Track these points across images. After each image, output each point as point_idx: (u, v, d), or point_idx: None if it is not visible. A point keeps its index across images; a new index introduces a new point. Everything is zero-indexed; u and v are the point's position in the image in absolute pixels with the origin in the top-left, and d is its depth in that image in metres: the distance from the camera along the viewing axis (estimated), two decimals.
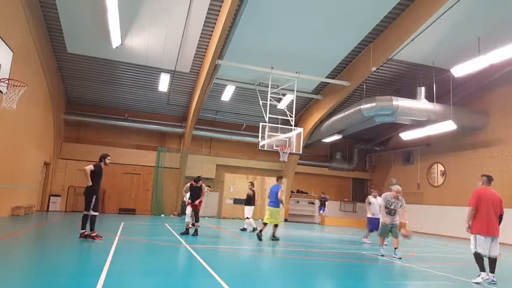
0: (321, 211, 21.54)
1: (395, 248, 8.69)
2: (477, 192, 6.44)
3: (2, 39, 8.60)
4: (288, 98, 16.45)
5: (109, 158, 8.51)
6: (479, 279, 6.17)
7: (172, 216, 18.84)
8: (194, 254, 7.41)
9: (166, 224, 13.84)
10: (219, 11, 12.28)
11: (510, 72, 14.55)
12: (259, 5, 11.88)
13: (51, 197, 17.56)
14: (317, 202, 22.59)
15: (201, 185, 10.78)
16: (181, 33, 13.53)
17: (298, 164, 21.93)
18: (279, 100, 16.36)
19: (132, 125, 19.20)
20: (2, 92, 8.55)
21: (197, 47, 14.35)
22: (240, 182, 20.68)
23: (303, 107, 19.69)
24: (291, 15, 12.56)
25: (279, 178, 11.43)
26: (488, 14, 12.31)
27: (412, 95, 15.71)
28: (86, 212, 8.11)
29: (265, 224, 10.76)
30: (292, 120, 14.85)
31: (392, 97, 14.62)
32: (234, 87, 16.72)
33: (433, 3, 10.97)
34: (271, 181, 21.27)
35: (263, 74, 15.24)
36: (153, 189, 19.51)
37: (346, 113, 16.52)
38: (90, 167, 8.13)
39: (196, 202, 10.63)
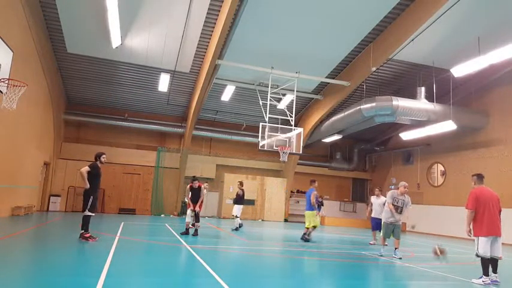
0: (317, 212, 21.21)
1: (396, 249, 8.64)
2: (474, 193, 6.30)
3: (2, 39, 8.60)
4: (288, 98, 16.45)
5: (104, 156, 8.41)
6: (479, 281, 6.11)
7: (172, 216, 18.84)
8: (194, 254, 7.41)
9: (166, 224, 13.83)
10: (219, 11, 12.28)
11: (510, 72, 14.55)
12: (259, 5, 11.88)
13: (51, 197, 17.56)
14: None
15: (199, 186, 10.76)
16: (181, 33, 13.53)
17: (298, 164, 21.93)
18: (279, 100, 16.36)
19: (132, 125, 19.20)
20: (2, 92, 8.55)
21: (197, 47, 14.35)
22: None
23: (303, 107, 19.70)
24: (291, 15, 12.56)
25: (312, 182, 11.73)
26: (488, 14, 12.31)
27: (412, 95, 15.71)
28: (87, 213, 8.07)
29: (307, 228, 11.19)
30: (292, 120, 14.85)
31: (392, 97, 14.63)
32: (234, 87, 16.72)
33: (433, 3, 10.97)
34: (271, 181, 21.33)
35: (263, 74, 15.24)
36: (153, 189, 19.51)
37: (346, 113, 16.52)
38: (85, 169, 7.93)
39: (197, 208, 10.57)
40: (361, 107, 15.21)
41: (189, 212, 10.72)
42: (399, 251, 8.65)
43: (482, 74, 15.09)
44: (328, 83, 16.86)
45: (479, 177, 6.55)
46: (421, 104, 15.18)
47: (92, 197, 7.98)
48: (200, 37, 13.74)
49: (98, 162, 8.24)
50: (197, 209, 10.53)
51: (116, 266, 5.69)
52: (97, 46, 14.33)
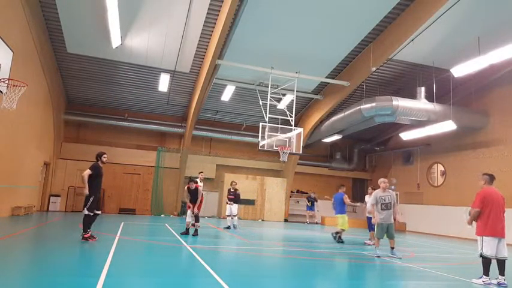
0: (309, 211, 20.59)
1: (392, 248, 8.58)
2: (482, 193, 6.27)
3: (2, 39, 8.60)
4: (288, 98, 16.45)
5: (105, 156, 8.37)
6: (479, 281, 6.10)
7: (172, 216, 18.84)
8: (194, 254, 7.41)
9: (166, 224, 13.83)
10: (219, 11, 12.28)
11: (510, 72, 14.55)
12: (259, 5, 11.88)
13: (51, 197, 17.56)
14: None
15: (196, 188, 10.68)
16: (181, 33, 13.53)
17: (298, 164, 21.93)
18: (279, 100, 16.37)
19: (132, 125, 19.20)
20: (2, 92, 8.56)
21: (197, 47, 14.35)
22: (240, 182, 20.68)
23: (303, 107, 19.70)
24: (291, 15, 12.56)
25: (341, 186, 12.07)
26: (488, 14, 12.31)
27: (412, 95, 15.71)
28: (86, 212, 8.03)
29: (343, 230, 11.39)
30: (292, 120, 14.85)
31: (392, 97, 14.62)
32: (234, 87, 16.72)
33: (433, 3, 10.98)
34: (271, 181, 21.32)
35: (263, 74, 15.24)
36: (153, 189, 19.51)
37: (346, 113, 16.52)
38: (87, 172, 7.86)
39: (195, 210, 10.54)
40: (361, 107, 15.21)
41: (189, 212, 10.72)
42: (397, 250, 8.57)
43: (482, 74, 15.09)
44: (328, 83, 16.86)
45: (491, 178, 6.48)
46: (421, 104, 15.18)
47: (92, 197, 7.93)
48: (200, 37, 13.75)
49: (99, 162, 8.21)
50: (195, 210, 10.49)
51: (116, 266, 5.69)
52: (97, 46, 14.33)
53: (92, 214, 7.97)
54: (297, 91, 14.92)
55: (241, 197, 20.38)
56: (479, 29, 12.89)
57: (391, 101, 14.47)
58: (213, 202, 20.64)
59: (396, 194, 17.09)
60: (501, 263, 6.07)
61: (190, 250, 7.84)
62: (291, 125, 14.48)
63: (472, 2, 11.66)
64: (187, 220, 10.70)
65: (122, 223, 12.61)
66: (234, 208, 13.65)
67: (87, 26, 13.23)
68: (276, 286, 5.49)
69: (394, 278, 6.83)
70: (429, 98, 15.43)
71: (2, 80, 8.43)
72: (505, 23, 12.51)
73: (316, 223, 20.94)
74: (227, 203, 13.71)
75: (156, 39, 13.94)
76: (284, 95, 16.37)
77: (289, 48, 14.32)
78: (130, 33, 13.53)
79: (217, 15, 12.50)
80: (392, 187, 9.39)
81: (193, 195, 10.66)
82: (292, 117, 14.91)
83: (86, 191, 7.81)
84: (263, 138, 13.65)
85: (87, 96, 18.54)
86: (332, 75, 16.32)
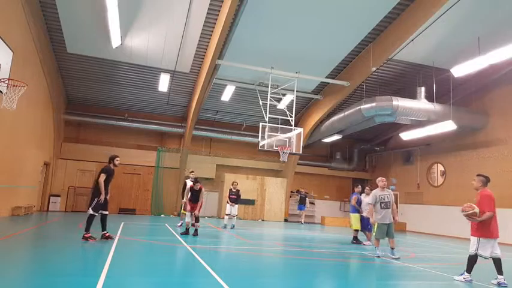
0: (300, 210, 20.01)
1: (392, 248, 8.53)
2: (489, 196, 6.26)
3: (2, 39, 8.61)
4: (288, 98, 16.45)
5: (118, 159, 8.47)
6: (460, 278, 6.22)
7: (172, 216, 18.84)
8: (194, 254, 7.41)
9: (166, 224, 13.83)
10: (219, 11, 12.28)
11: (510, 72, 14.56)
12: (259, 5, 11.88)
13: (51, 197, 17.56)
14: (317, 201, 22.49)
15: (200, 189, 10.68)
16: (181, 33, 13.53)
17: (298, 164, 21.93)
18: (279, 100, 16.37)
19: (132, 125, 19.20)
20: (2, 92, 8.56)
21: (197, 47, 14.35)
22: (240, 182, 20.68)
23: (303, 107, 19.70)
24: (291, 15, 12.56)
25: (357, 186, 12.14)
26: (488, 14, 12.31)
27: (412, 95, 15.71)
28: (90, 212, 8.07)
29: (355, 230, 11.53)
30: (292, 120, 14.85)
31: (392, 97, 14.62)
32: (234, 87, 16.71)
33: (433, 3, 10.97)
34: (271, 181, 21.33)
35: (263, 74, 15.24)
36: (153, 189, 19.52)
37: (346, 113, 16.52)
38: (103, 177, 8.02)
39: (196, 212, 10.46)
40: (361, 107, 15.21)
41: (188, 212, 10.68)
42: (396, 250, 8.54)
43: (482, 74, 15.10)
44: (328, 83, 16.86)
45: (488, 179, 6.49)
46: (421, 104, 15.18)
47: (97, 198, 7.97)
48: (200, 37, 13.75)
49: (111, 165, 8.32)
50: (196, 212, 10.45)
51: (116, 266, 5.69)
52: (97, 46, 14.33)
53: (96, 214, 8.00)
54: (297, 91, 14.92)
55: (242, 197, 20.48)
56: (479, 29, 12.89)
57: (391, 101, 14.48)
58: (213, 202, 20.64)
59: (396, 194, 17.12)
60: (497, 262, 6.12)
61: (190, 250, 7.85)
62: (291, 125, 14.48)
63: (472, 2, 11.66)
64: (186, 220, 10.68)
65: (122, 223, 12.61)
66: (235, 208, 13.63)
67: (87, 26, 13.24)
68: (276, 286, 5.49)
69: (394, 278, 6.83)
70: (429, 98, 15.43)
71: (2, 80, 8.43)
72: (505, 23, 12.52)
73: (304, 222, 20.16)
74: (228, 202, 13.63)
75: (156, 39, 13.94)
76: (284, 95, 16.37)
77: (289, 48, 14.32)
78: (130, 33, 13.53)
79: (217, 15, 12.50)
80: (393, 187, 9.37)
81: (195, 196, 10.63)
82: (292, 117, 14.91)
83: (103, 196, 7.96)
84: (263, 138, 13.65)
85: (87, 96, 18.54)
86: (332, 75, 16.32)
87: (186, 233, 10.50)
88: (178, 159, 19.97)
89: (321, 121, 18.79)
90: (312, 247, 10.42)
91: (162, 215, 18.85)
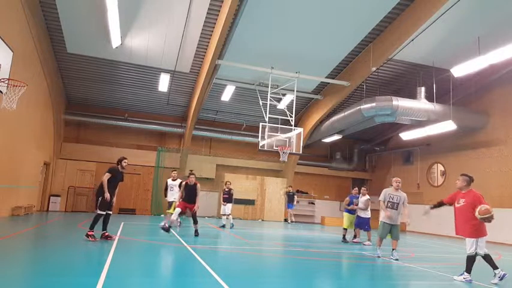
0: (289, 208, 19.15)
1: (393, 249, 8.47)
2: (481, 195, 6.34)
3: (2, 39, 8.60)
4: (288, 98, 16.45)
5: (126, 161, 8.43)
6: (460, 278, 6.25)
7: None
8: (194, 254, 7.41)
9: (166, 224, 13.79)
10: (219, 11, 12.28)
11: (510, 72, 14.56)
12: (259, 5, 11.88)
13: (51, 197, 17.56)
14: (311, 200, 22.45)
15: (195, 184, 10.09)
16: (181, 33, 13.53)
17: (298, 164, 21.93)
18: (279, 100, 16.36)
19: (132, 125, 19.20)
20: (2, 92, 8.55)
21: (197, 47, 14.35)
22: (240, 182, 20.71)
23: (303, 107, 19.70)
24: (291, 15, 12.56)
25: (353, 189, 12.51)
26: (488, 14, 12.31)
27: (412, 95, 15.71)
28: (98, 212, 8.16)
29: (344, 228, 11.98)
30: (292, 120, 14.86)
31: (392, 97, 14.62)
32: (234, 87, 16.71)
33: (433, 3, 10.98)
34: (271, 181, 21.33)
35: (263, 74, 15.24)
36: (153, 189, 19.51)
37: (346, 113, 16.52)
38: (106, 176, 8.03)
39: (196, 208, 10.05)
40: (361, 107, 15.20)
41: (177, 210, 9.97)
42: (397, 252, 8.50)
43: (482, 74, 15.10)
44: (328, 83, 16.86)
45: (471, 179, 6.54)
46: (421, 104, 15.18)
47: (101, 197, 8.04)
48: (200, 37, 13.75)
49: (118, 166, 8.33)
50: (195, 208, 10.05)
51: (116, 266, 5.69)
52: (97, 46, 14.33)
53: (103, 213, 8.08)
54: (297, 91, 14.92)
55: (242, 197, 20.42)
56: (479, 29, 12.89)
57: (391, 101, 14.48)
58: (213, 202, 20.62)
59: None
60: (489, 258, 6.22)
61: (190, 250, 7.84)
62: (291, 125, 14.48)
63: (472, 2, 11.66)
64: (172, 217, 9.99)
65: (122, 223, 12.61)
66: (228, 208, 13.76)
67: (87, 26, 13.23)
68: (276, 286, 5.49)
69: (394, 278, 6.83)
70: (429, 98, 15.43)
71: (2, 80, 8.42)
72: (505, 23, 12.52)
73: (292, 222, 19.46)
74: (222, 203, 13.92)
75: (156, 39, 13.94)
76: (284, 95, 16.37)
77: (289, 48, 14.32)
78: (130, 33, 13.53)
79: (217, 15, 12.50)
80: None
81: (191, 193, 10.01)
82: (292, 117, 14.91)
83: (107, 195, 7.96)
84: (263, 138, 13.65)
85: (87, 96, 18.53)
86: (332, 75, 16.32)
87: (167, 229, 9.84)
88: (178, 159, 19.96)
89: (321, 121, 18.79)
90: (312, 247, 10.41)
91: (162, 215, 18.81)
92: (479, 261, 6.39)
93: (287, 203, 19.45)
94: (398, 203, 8.51)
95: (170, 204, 12.22)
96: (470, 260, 6.32)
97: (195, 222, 10.24)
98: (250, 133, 20.19)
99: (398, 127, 19.86)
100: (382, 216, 8.64)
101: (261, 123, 13.87)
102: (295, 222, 19.72)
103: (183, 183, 10.43)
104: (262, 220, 20.59)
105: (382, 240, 8.70)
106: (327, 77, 16.23)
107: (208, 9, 12.29)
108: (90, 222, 8.18)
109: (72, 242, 8.01)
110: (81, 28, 13.37)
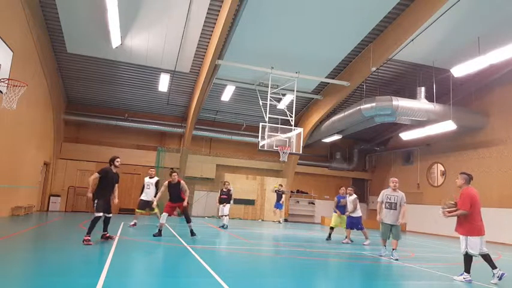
0: (277, 208, 18.82)
1: (393, 249, 8.51)
2: (469, 194, 6.34)
3: (2, 39, 8.60)
4: (288, 98, 16.45)
5: (118, 160, 8.28)
6: (460, 278, 6.27)
7: (172, 216, 18.80)
8: (194, 254, 7.41)
9: (166, 224, 13.80)
10: (219, 11, 12.28)
11: (510, 72, 14.56)
12: (259, 5, 11.88)
13: (51, 197, 17.56)
14: (314, 201, 22.42)
15: (179, 182, 9.67)
16: (181, 33, 13.53)
17: (298, 164, 21.93)
18: (279, 100, 16.36)
19: (132, 125, 19.20)
20: (2, 92, 8.55)
21: (197, 47, 14.35)
22: (240, 182, 20.71)
23: (303, 107, 19.70)
24: (291, 15, 12.56)
25: (339, 188, 12.61)
26: (488, 14, 12.31)
27: (412, 95, 15.71)
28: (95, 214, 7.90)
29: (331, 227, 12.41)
30: (292, 120, 14.85)
31: (392, 97, 14.63)
32: (234, 87, 16.72)
33: (433, 3, 10.98)
34: (271, 181, 21.32)
35: (263, 74, 15.24)
36: None
37: (346, 113, 16.52)
38: (94, 176, 7.85)
39: (185, 204, 9.68)
40: (361, 107, 15.21)
41: (165, 214, 9.67)
42: (397, 252, 8.52)
43: (482, 74, 15.10)
44: (328, 83, 16.86)
45: (470, 177, 6.58)
46: (421, 104, 15.18)
47: (96, 199, 7.87)
48: (200, 37, 13.75)
49: (112, 166, 8.14)
50: (185, 204, 9.72)
51: (116, 266, 5.69)
52: (97, 46, 14.33)
53: (100, 215, 7.84)
54: (296, 91, 14.92)
55: (241, 197, 20.36)
56: (479, 29, 12.89)
57: (391, 101, 14.48)
58: (213, 202, 20.57)
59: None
60: (487, 258, 6.24)
61: (190, 250, 7.84)
62: (291, 125, 14.48)
63: (472, 2, 11.66)
64: (161, 221, 9.66)
65: (122, 223, 12.61)
66: (226, 208, 13.68)
67: (87, 26, 13.23)
68: (276, 286, 5.49)
69: (394, 278, 6.83)
70: (429, 98, 15.43)
71: (2, 80, 8.43)
72: (505, 23, 12.52)
73: (279, 222, 19.36)
74: (220, 203, 13.72)
75: (156, 39, 13.94)
76: (284, 95, 16.37)
77: (289, 48, 14.32)
78: (130, 33, 13.53)
79: (217, 15, 12.50)
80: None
81: (175, 192, 9.66)
82: (292, 117, 14.91)
83: (89, 194, 7.78)
84: (263, 138, 13.65)
85: (87, 96, 18.53)
86: (332, 75, 16.32)
87: (158, 234, 9.49)
88: (178, 159, 19.96)
89: (321, 121, 18.79)
90: (312, 247, 10.41)
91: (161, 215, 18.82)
92: (479, 262, 6.39)
93: (275, 202, 19.17)
94: (396, 203, 8.59)
95: (144, 203, 11.93)
96: (466, 259, 6.35)
97: (188, 221, 9.86)
98: (250, 133, 20.19)
99: (398, 127, 19.86)
100: (382, 216, 8.76)
101: (261, 123, 13.87)
102: (282, 222, 19.34)
103: (166, 182, 9.91)
104: (262, 220, 20.58)
105: (385, 241, 8.80)
106: (326, 77, 16.23)
107: (208, 9, 12.29)
108: (88, 225, 7.88)
109: (72, 242, 8.00)
110: (81, 28, 13.37)
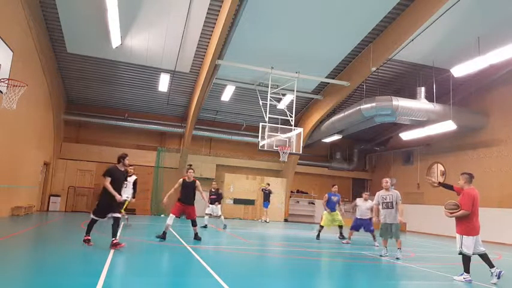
0: (265, 207, 18.96)
1: (398, 248, 8.60)
2: (471, 194, 6.35)
3: (2, 39, 8.60)
4: (288, 98, 16.45)
5: (127, 158, 7.73)
6: (460, 278, 6.28)
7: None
8: (194, 254, 7.41)
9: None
10: (219, 11, 12.28)
11: (510, 72, 14.56)
12: (259, 5, 11.88)
13: (51, 197, 17.56)
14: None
15: (195, 181, 9.12)
16: (181, 33, 13.52)
17: (298, 164, 21.92)
18: (279, 100, 16.36)
19: (132, 125, 19.20)
20: (2, 92, 8.55)
21: (197, 47, 14.35)
22: (240, 182, 20.71)
23: (303, 107, 19.69)
24: (291, 15, 12.56)
25: (332, 186, 12.65)
26: (488, 14, 12.31)
27: (412, 95, 15.71)
28: (92, 217, 7.44)
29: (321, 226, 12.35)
30: (292, 120, 14.85)
31: (392, 97, 14.63)
32: (234, 87, 16.71)
33: (433, 3, 10.98)
34: (271, 181, 21.30)
35: (263, 74, 15.24)
36: (153, 189, 19.51)
37: (346, 113, 16.52)
38: (107, 181, 7.17)
39: (194, 216, 9.13)
40: (361, 107, 15.21)
41: (172, 216, 9.02)
42: (401, 251, 8.57)
43: (482, 74, 15.10)
44: (328, 83, 16.86)
45: (472, 177, 6.60)
46: (421, 104, 15.18)
47: (99, 200, 7.40)
48: (200, 37, 13.74)
49: (120, 164, 7.56)
50: (207, 204, 9.57)
51: (116, 266, 5.69)
52: (97, 46, 14.33)
53: (96, 219, 7.33)
54: (297, 91, 14.91)
55: (241, 197, 20.35)
56: (479, 29, 12.89)
57: (391, 101, 14.48)
58: None
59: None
60: (485, 257, 6.28)
61: (190, 250, 7.84)
62: (291, 125, 14.48)
63: (472, 2, 11.66)
64: (168, 222, 9.02)
65: (122, 223, 12.60)
66: (217, 208, 13.47)
67: (87, 26, 13.23)
68: (276, 286, 5.49)
69: (394, 277, 6.83)
70: (429, 98, 15.43)
71: (2, 80, 8.42)
72: (505, 23, 12.51)
73: (266, 221, 19.15)
74: (211, 203, 13.24)
75: (156, 39, 13.94)
76: (284, 95, 16.36)
77: (289, 48, 14.31)
78: (130, 33, 13.53)
79: (217, 15, 12.50)
80: (392, 187, 9.41)
81: (190, 191, 9.04)
82: (292, 117, 14.91)
83: (118, 197, 7.18)
84: (263, 138, 13.65)
85: (87, 96, 18.53)
86: (332, 75, 16.32)
87: (162, 236, 8.92)
88: (178, 159, 19.96)
89: (321, 121, 18.79)
90: (312, 247, 10.41)
91: (162, 215, 18.82)
92: (479, 262, 6.39)
93: (263, 201, 19.21)
94: (392, 202, 8.70)
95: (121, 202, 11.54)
96: (464, 259, 6.37)
97: (194, 224, 9.38)
98: (250, 133, 20.18)
99: (398, 127, 19.86)
100: (381, 217, 8.85)
101: (261, 123, 13.87)
102: (268, 221, 19.19)
103: (180, 180, 9.22)
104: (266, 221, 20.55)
105: (386, 241, 8.86)
106: (327, 77, 16.23)
107: (208, 9, 12.28)
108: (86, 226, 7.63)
109: (72, 242, 8.00)
110: (81, 28, 13.36)
